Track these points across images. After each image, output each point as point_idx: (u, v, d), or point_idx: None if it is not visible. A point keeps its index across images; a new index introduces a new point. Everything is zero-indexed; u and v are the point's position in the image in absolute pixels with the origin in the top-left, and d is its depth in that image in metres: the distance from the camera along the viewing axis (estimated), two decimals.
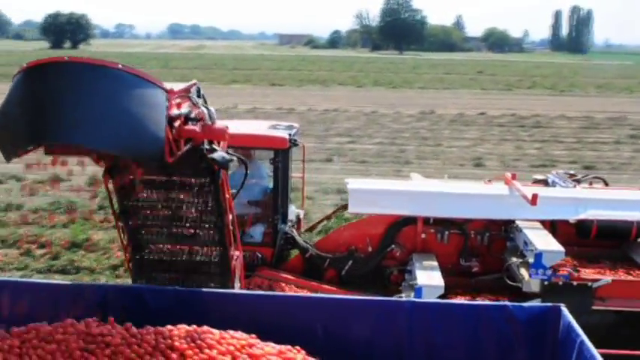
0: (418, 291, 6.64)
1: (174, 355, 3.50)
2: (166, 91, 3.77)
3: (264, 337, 4.00)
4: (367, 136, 24.06)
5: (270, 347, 3.86)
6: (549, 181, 8.59)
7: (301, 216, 8.90)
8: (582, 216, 7.30)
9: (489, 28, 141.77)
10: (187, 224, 5.64)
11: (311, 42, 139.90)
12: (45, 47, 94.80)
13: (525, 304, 4.17)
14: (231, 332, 3.90)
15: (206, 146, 4.30)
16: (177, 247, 5.82)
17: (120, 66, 3.60)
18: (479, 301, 4.72)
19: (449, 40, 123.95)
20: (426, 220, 7.70)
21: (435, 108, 31.62)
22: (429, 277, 6.87)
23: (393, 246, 7.71)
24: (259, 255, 7.78)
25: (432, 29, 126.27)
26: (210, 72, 54.23)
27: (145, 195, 5.49)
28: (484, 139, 23.71)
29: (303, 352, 3.93)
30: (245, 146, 7.71)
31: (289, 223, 8.13)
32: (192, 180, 5.32)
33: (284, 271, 7.85)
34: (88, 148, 3.64)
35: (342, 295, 4.51)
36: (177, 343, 3.59)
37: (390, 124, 27.33)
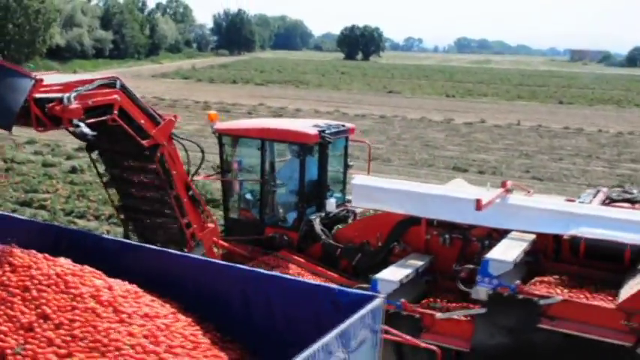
0: (374, 283, 6.83)
1: (7, 268, 4.13)
2: (35, 80, 5.09)
3: (145, 285, 4.60)
4: None
5: (100, 280, 4.33)
6: (581, 195, 8.04)
7: (357, 210, 9.35)
8: (572, 232, 6.84)
9: None
10: (147, 198, 7.45)
11: (606, 59, 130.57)
12: (339, 58, 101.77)
13: (350, 290, 4.50)
14: (79, 267, 4.37)
15: (75, 122, 5.42)
16: (149, 218, 7.65)
17: None
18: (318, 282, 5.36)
19: None
20: (430, 222, 7.69)
21: None
22: (390, 273, 7.04)
23: (395, 243, 7.87)
24: (286, 238, 8.51)
25: None
26: (495, 87, 53.50)
27: (122, 174, 7.34)
28: None
29: (132, 288, 4.45)
30: (277, 140, 8.66)
31: (319, 214, 8.64)
32: (136, 162, 7.08)
33: (305, 255, 8.34)
34: None
35: (210, 259, 5.29)
36: (12, 259, 4.21)
37: None
